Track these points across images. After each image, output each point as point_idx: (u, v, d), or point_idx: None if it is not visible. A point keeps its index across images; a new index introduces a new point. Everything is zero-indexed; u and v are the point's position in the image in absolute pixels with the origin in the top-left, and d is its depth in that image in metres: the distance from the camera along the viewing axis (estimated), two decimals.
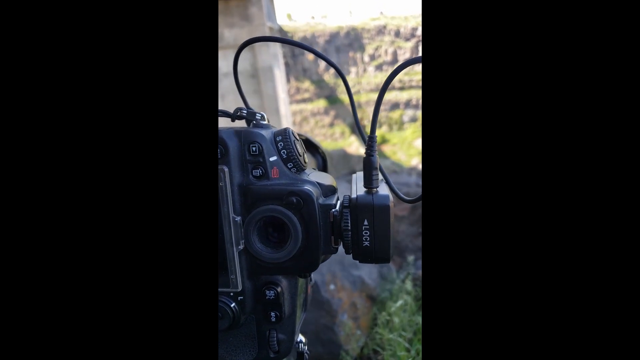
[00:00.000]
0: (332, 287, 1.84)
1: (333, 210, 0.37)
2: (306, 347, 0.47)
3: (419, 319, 1.64)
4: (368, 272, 1.94)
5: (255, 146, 0.36)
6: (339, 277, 1.87)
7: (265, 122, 0.40)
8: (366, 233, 0.36)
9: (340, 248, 0.39)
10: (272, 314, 0.39)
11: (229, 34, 5.93)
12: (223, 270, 0.38)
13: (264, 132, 0.37)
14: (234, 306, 0.38)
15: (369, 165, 0.37)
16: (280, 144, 0.37)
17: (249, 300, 0.39)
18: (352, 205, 0.36)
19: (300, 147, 0.39)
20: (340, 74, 0.42)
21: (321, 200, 0.37)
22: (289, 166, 0.38)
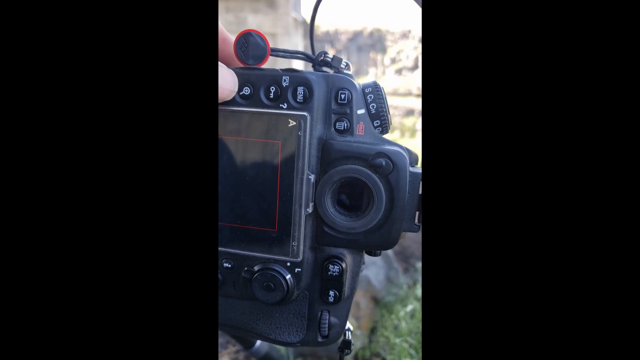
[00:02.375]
0: None
1: None
2: (351, 336, 0.42)
3: None
4: (375, 272, 1.89)
5: (344, 93, 0.31)
6: None
7: (350, 73, 0.34)
8: None
9: None
10: (332, 292, 0.34)
11: (253, 20, 5.87)
12: (284, 234, 0.32)
13: (354, 81, 0.32)
14: (289, 278, 0.33)
15: None
16: (370, 97, 0.32)
17: (307, 274, 0.34)
18: None
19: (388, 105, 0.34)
20: None
21: (411, 168, 0.32)
22: (375, 124, 0.32)
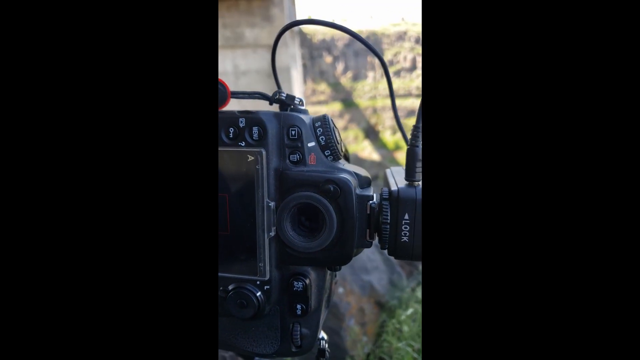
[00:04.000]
0: (340, 290, 1.81)
1: (370, 202, 0.35)
2: (327, 345, 0.45)
3: None
4: (378, 277, 1.91)
5: (294, 130, 0.35)
6: (349, 280, 1.84)
7: (303, 108, 0.38)
8: (405, 228, 0.34)
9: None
10: (298, 306, 0.38)
11: (250, 34, 5.96)
12: (251, 257, 0.36)
13: (303, 117, 0.36)
14: (259, 295, 0.36)
15: (413, 156, 0.35)
16: (319, 130, 0.36)
17: (275, 290, 0.37)
18: (392, 198, 0.34)
19: (338, 135, 0.38)
20: (382, 63, 0.40)
21: (358, 190, 0.35)
22: (326, 153, 0.36)
